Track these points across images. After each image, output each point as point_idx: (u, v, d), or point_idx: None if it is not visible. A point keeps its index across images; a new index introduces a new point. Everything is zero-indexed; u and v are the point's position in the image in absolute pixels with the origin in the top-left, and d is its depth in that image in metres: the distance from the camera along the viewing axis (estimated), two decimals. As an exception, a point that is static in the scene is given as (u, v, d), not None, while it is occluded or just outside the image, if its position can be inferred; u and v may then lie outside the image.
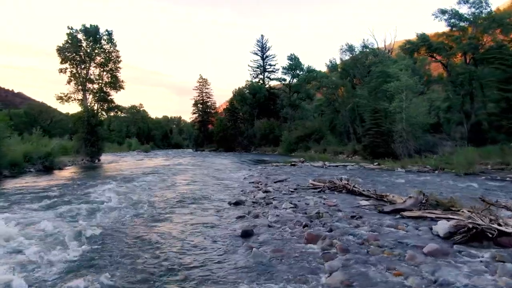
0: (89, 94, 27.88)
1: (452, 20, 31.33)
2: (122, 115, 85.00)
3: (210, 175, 15.81)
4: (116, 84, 28.24)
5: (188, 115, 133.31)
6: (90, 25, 27.82)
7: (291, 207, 7.61)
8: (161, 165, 23.64)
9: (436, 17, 31.26)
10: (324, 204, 7.88)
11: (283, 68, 54.41)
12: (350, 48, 35.41)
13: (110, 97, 28.55)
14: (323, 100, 53.61)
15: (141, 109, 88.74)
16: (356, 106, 30.99)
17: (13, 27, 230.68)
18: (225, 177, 15.13)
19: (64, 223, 6.33)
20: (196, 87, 77.67)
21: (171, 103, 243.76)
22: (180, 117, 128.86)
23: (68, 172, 18.20)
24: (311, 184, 10.77)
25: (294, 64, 53.15)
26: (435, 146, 24.49)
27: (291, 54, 53.69)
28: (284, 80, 54.63)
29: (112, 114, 28.95)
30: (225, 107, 79.60)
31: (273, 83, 65.93)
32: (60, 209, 7.41)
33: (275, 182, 12.19)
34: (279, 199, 8.75)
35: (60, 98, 27.17)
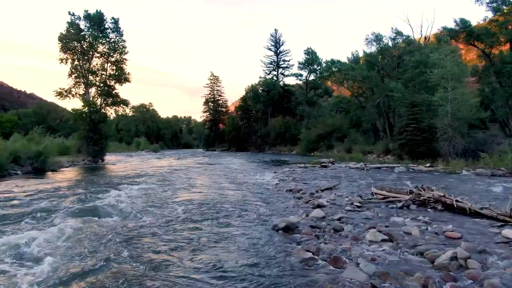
0: (92, 87, 25.24)
1: (495, 4, 27.93)
2: (130, 113, 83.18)
3: (232, 179, 12.87)
4: (121, 76, 25.55)
5: (198, 116, 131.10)
6: (95, 11, 25.22)
7: (384, 240, 4.59)
8: (172, 166, 20.85)
9: (477, 0, 27.88)
10: (438, 234, 4.82)
11: (299, 63, 51.25)
12: (377, 38, 32.07)
13: (114, 91, 25.88)
14: (342, 97, 50.52)
15: (150, 108, 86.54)
16: (388, 100, 27.71)
17: (29, 29, 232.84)
18: (251, 181, 12.16)
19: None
20: (207, 84, 75.23)
21: (181, 104, 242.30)
22: (190, 117, 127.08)
23: (62, 175, 15.49)
24: (379, 194, 7.70)
25: (311, 59, 49.91)
26: (486, 144, 21.11)
27: (308, 48, 50.50)
28: (301, 75, 51.41)
29: (116, 109, 26.19)
30: (236, 105, 76.95)
31: (287, 80, 62.98)
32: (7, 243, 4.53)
33: (322, 191, 9.15)
34: (350, 221, 5.73)
35: (59, 94, 24.62)
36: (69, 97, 24.82)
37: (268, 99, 58.33)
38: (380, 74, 29.31)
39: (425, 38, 28.77)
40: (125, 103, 26.16)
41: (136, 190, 9.62)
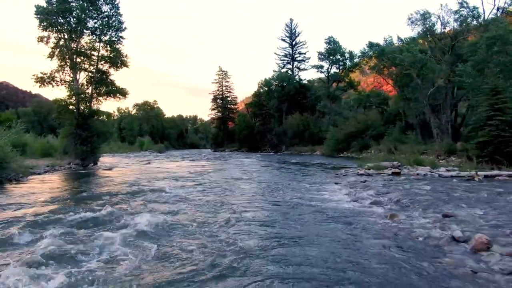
0: (80, 73, 20.26)
1: None
2: (133, 112, 78.46)
3: (293, 202, 7.68)
4: (117, 59, 20.50)
5: (203, 115, 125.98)
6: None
7: None
8: (183, 173, 15.76)
9: None
10: None
11: (319, 53, 45.90)
12: (423, 17, 26.63)
13: (109, 77, 20.88)
14: (375, 92, 45.13)
15: (155, 106, 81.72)
16: (451, 88, 22.34)
17: (29, 29, 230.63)
18: (328, 206, 6.95)
19: None
20: (215, 80, 70.23)
21: (186, 105, 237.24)
22: (196, 116, 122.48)
23: (22, 187, 10.45)
24: None
25: (333, 49, 44.58)
26: None
27: (329, 37, 45.16)
28: (321, 67, 46.07)
29: (111, 99, 21.08)
30: (245, 103, 71.79)
31: (302, 75, 57.83)
32: None
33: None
34: None
35: (39, 80, 19.64)
36: (52, 84, 19.82)
37: (283, 95, 53.12)
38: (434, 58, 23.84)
39: (499, 9, 23.30)
40: (122, 92, 21.05)
41: (137, 240, 4.53)
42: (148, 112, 78.51)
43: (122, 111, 77.70)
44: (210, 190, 9.67)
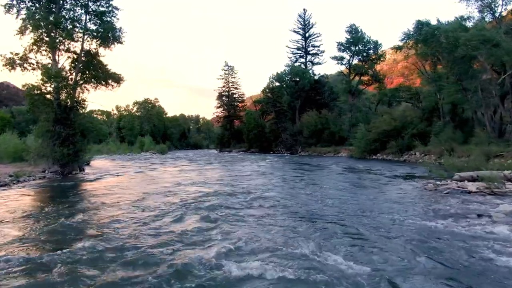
0: (61, 52, 15.58)
1: None
2: (134, 110, 73.87)
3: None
4: (108, 33, 15.75)
5: (205, 115, 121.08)
6: None
7: None
8: (205, 187, 11.11)
9: None
10: None
11: (339, 44, 41.13)
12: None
13: (98, 58, 16.16)
14: (405, 86, 40.44)
15: (156, 104, 76.99)
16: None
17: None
18: None
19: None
20: (221, 76, 65.48)
21: (187, 106, 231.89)
22: (198, 115, 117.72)
23: None
24: None
25: (355, 38, 39.80)
26: None
27: (351, 25, 40.41)
28: (341, 59, 41.21)
29: (103, 88, 16.35)
30: (255, 99, 67.08)
31: (316, 69, 53.15)
32: None
33: None
34: None
35: (8, 62, 14.95)
36: (24, 67, 15.13)
37: (297, 90, 48.29)
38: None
39: None
40: (115, 78, 16.32)
41: None
42: (149, 111, 73.81)
43: (122, 109, 73.11)
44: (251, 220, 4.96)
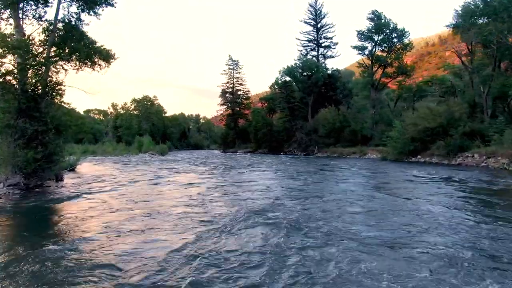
0: (27, 17, 11.26)
1: None
2: (132, 108, 69.33)
3: None
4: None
5: (205, 114, 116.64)
6: None
7: None
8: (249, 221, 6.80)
9: None
10: None
11: (359, 32, 36.82)
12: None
13: (80, 27, 11.83)
14: (439, 79, 36.23)
15: (155, 102, 72.42)
16: None
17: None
18: None
19: None
20: (225, 71, 60.98)
21: (187, 106, 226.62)
22: (198, 115, 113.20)
23: None
24: None
25: (379, 25, 35.55)
26: None
27: (374, 11, 36.14)
28: (363, 48, 36.88)
29: (87, 69, 12.02)
30: (261, 96, 62.81)
31: (329, 63, 49.02)
32: None
33: None
34: None
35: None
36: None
37: (309, 85, 43.98)
38: None
39: None
40: (103, 54, 11.96)
41: None
42: (148, 109, 69.27)
43: (119, 107, 68.66)
44: None
